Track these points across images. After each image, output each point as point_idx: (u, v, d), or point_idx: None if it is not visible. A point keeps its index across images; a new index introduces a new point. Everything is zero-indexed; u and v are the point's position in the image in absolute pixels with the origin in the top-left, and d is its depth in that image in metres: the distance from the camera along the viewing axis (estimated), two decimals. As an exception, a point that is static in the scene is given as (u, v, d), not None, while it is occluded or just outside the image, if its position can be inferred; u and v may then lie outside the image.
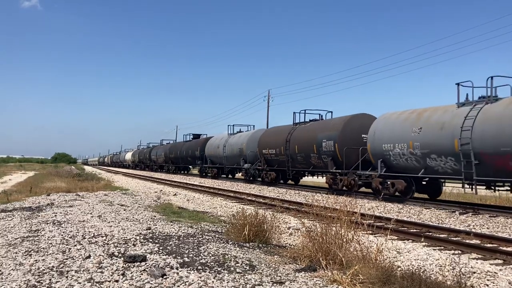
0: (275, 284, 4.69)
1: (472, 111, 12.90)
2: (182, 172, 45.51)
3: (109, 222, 8.81)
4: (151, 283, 4.54)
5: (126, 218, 9.53)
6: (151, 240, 6.90)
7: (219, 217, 10.97)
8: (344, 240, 5.62)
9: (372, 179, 16.59)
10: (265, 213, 7.80)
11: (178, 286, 4.51)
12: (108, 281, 4.61)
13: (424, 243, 8.08)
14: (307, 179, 27.54)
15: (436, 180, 15.81)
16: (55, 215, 9.84)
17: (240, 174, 30.68)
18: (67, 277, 4.78)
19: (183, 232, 7.83)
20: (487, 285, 5.41)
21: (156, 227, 8.29)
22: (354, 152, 17.81)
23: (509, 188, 13.06)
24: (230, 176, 34.56)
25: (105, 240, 6.85)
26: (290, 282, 4.80)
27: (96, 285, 4.51)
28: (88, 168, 70.09)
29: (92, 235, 7.27)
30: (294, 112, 23.56)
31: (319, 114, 23.18)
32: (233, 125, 32.57)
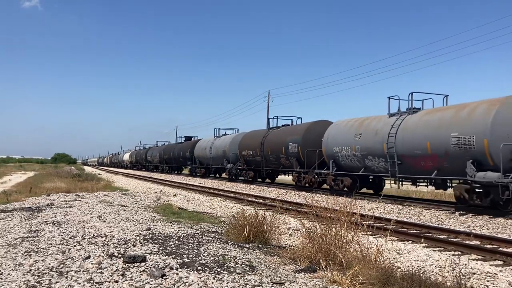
0: (275, 285, 4.69)
1: (397, 121, 15.68)
2: (175, 172, 47.24)
3: (109, 223, 8.81)
4: (150, 284, 4.54)
5: (126, 219, 9.53)
6: (151, 241, 6.89)
7: (219, 218, 10.97)
8: (344, 241, 5.61)
9: (327, 176, 19.36)
10: (265, 213, 7.79)
11: (178, 286, 4.51)
12: (108, 282, 4.61)
13: (424, 244, 8.08)
14: (283, 178, 29.38)
15: (378, 178, 18.24)
16: (55, 216, 9.84)
17: (224, 173, 33.31)
18: (66, 277, 4.78)
19: (183, 233, 7.83)
20: (487, 286, 5.40)
21: (156, 228, 8.29)
22: (313, 154, 20.54)
23: (426, 184, 15.84)
24: (217, 175, 36.99)
25: (105, 240, 6.84)
26: (290, 283, 4.79)
27: (95, 285, 4.50)
28: (87, 169, 70.30)
29: (92, 235, 7.27)
30: (268, 118, 27.45)
31: (291, 119, 26.30)
32: (219, 129, 35.89)
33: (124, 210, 11.26)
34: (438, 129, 13.84)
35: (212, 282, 4.65)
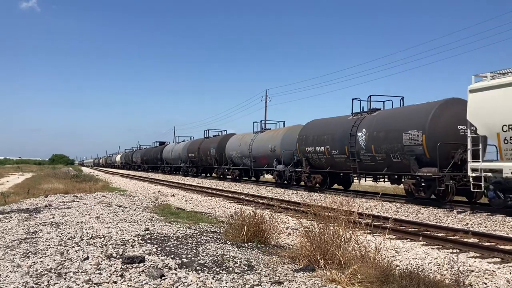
0: (273, 284, 4.69)
1: (254, 136, 27.95)
2: (153, 170, 56.18)
3: (107, 223, 8.79)
4: (149, 284, 4.53)
5: (124, 219, 9.51)
6: (149, 241, 6.88)
7: (217, 218, 10.96)
8: (342, 239, 5.62)
9: (228, 170, 31.65)
10: (263, 213, 7.79)
11: (177, 287, 4.51)
12: (107, 283, 4.60)
13: (422, 242, 8.10)
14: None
15: (252, 170, 28.65)
16: (53, 217, 9.81)
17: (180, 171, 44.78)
18: (65, 278, 4.77)
19: (181, 233, 7.82)
20: (485, 284, 5.41)
21: (155, 228, 8.27)
22: (223, 156, 32.16)
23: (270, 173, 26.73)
24: (178, 172, 46.37)
25: (103, 241, 6.83)
26: (289, 282, 4.80)
27: (94, 286, 4.49)
28: (84, 170, 70.77)
29: (90, 236, 7.25)
30: (204, 130, 39.22)
31: (220, 132, 37.98)
32: (178, 137, 50.69)
33: (122, 211, 11.24)
34: (266, 142, 25.92)
35: (211, 282, 4.65)
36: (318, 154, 19.89)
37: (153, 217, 10.25)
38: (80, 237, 7.19)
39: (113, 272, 4.99)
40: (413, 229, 9.45)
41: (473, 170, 12.31)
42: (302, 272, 5.24)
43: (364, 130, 16.91)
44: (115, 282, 4.62)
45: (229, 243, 6.99)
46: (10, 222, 9.15)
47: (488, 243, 8.01)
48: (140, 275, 4.88)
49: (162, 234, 7.65)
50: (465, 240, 8.24)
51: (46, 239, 7.08)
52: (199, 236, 7.53)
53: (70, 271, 5.04)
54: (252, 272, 5.17)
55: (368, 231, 8.49)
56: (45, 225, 8.62)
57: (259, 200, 15.72)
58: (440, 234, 8.88)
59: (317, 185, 20.26)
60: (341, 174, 20.33)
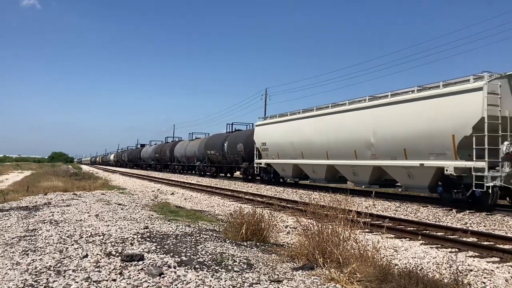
0: (272, 283, 4.69)
1: (188, 143, 41.54)
2: (136, 167, 66.43)
3: (106, 221, 8.79)
4: (148, 282, 4.54)
5: (124, 217, 9.51)
6: (148, 239, 6.89)
7: (217, 216, 10.97)
8: (341, 238, 5.62)
9: (176, 166, 44.51)
10: (262, 212, 7.79)
11: (176, 285, 4.51)
12: (106, 280, 4.60)
13: (421, 241, 8.10)
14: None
15: (191, 166, 40.84)
16: (52, 215, 9.82)
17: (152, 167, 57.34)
18: (64, 276, 4.77)
19: (180, 231, 7.82)
20: (484, 283, 5.42)
21: (154, 226, 8.28)
22: (173, 155, 44.80)
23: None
24: (152, 168, 57.00)
25: (102, 239, 6.84)
26: (288, 280, 4.80)
27: (93, 284, 4.50)
28: (83, 167, 71.20)
29: (90, 234, 7.26)
30: (165, 137, 53.66)
31: (176, 137, 54.00)
32: (151, 141, 65.21)
33: (122, 209, 11.25)
34: (192, 147, 38.49)
35: (210, 280, 4.65)
36: (212, 155, 33.59)
37: (152, 215, 10.25)
38: (79, 235, 7.19)
39: (112, 270, 5.00)
40: (412, 228, 9.46)
41: (256, 163, 24.90)
42: (301, 270, 5.25)
43: (227, 142, 30.79)
44: (114, 280, 4.62)
45: (228, 241, 6.99)
46: (10, 220, 9.15)
47: (487, 243, 8.02)
48: (139, 273, 4.88)
49: (162, 232, 7.65)
50: (464, 239, 8.24)
51: (45, 236, 7.08)
52: (198, 235, 7.53)
53: (69, 269, 5.04)
54: (251, 270, 5.18)
55: (367, 230, 8.50)
56: (44, 223, 8.62)
57: (258, 198, 15.74)
58: (439, 233, 8.89)
59: (215, 174, 33.92)
60: (225, 167, 33.28)
